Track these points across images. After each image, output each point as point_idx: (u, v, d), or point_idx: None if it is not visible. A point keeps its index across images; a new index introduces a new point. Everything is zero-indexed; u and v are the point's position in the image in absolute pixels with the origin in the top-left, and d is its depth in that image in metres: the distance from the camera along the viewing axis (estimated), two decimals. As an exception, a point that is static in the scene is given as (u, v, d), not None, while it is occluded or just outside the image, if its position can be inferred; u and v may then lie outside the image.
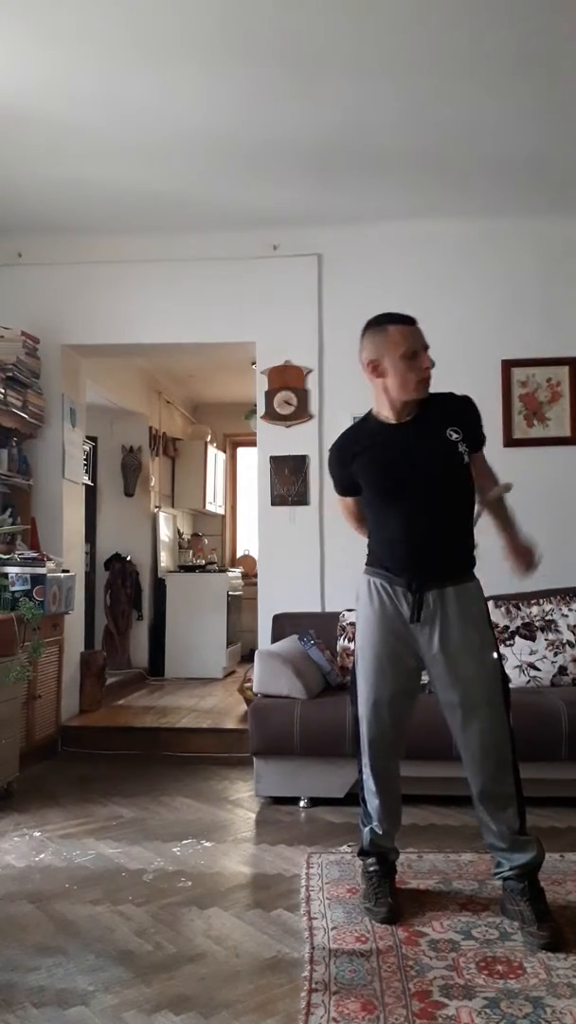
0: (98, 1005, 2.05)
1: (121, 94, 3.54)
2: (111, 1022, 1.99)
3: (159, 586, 7.35)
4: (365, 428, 2.65)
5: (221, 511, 9.05)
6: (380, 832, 2.64)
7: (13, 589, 4.20)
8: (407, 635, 2.54)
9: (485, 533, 2.63)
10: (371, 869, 2.64)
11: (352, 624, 3.81)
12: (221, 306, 4.97)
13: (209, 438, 8.51)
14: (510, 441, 4.69)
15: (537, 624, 4.08)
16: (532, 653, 4.00)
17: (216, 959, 2.29)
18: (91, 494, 6.62)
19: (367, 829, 2.66)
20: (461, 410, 2.59)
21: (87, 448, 6.34)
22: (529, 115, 3.72)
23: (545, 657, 3.99)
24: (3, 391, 4.44)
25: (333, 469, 2.74)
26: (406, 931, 2.41)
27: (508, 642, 4.02)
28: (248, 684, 4.77)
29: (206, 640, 7.02)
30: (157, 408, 7.67)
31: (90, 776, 4.25)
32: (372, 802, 2.64)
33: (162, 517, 7.63)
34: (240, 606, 7.66)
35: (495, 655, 2.55)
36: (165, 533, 7.72)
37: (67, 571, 4.72)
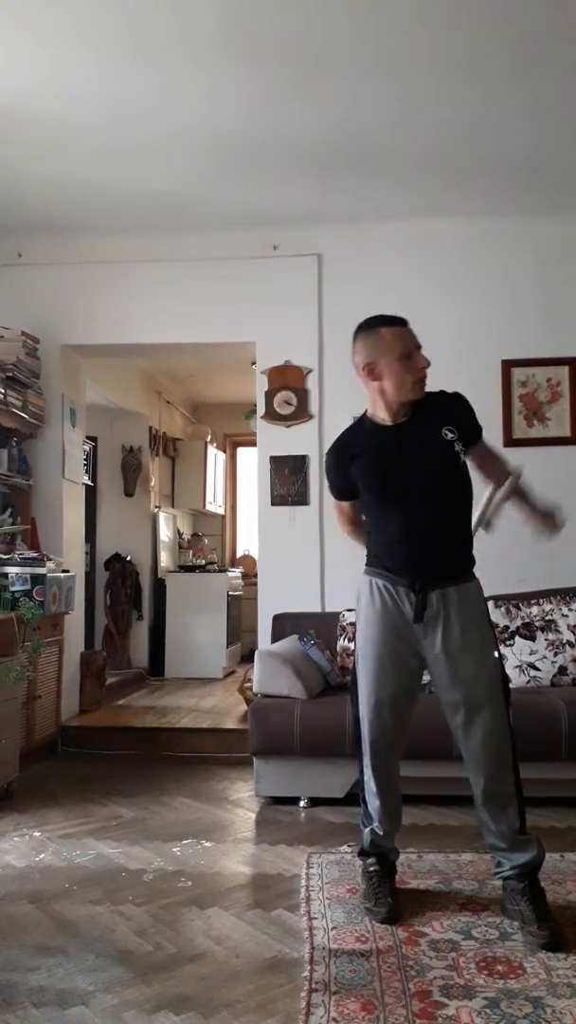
0: (98, 1005, 2.05)
1: (121, 94, 3.54)
2: (111, 1022, 1.98)
3: (159, 586, 7.34)
4: (361, 430, 2.64)
5: (221, 511, 9.05)
6: (381, 832, 2.64)
7: (13, 589, 4.20)
8: (409, 635, 2.54)
9: (482, 536, 2.63)
10: (371, 869, 2.64)
11: (352, 624, 3.81)
12: (221, 306, 4.97)
13: (209, 438, 8.51)
14: (510, 441, 4.68)
15: (537, 624, 4.08)
16: (532, 653, 4.00)
17: (216, 959, 2.29)
18: (91, 494, 6.62)
19: (368, 830, 2.66)
20: (454, 407, 2.59)
21: (87, 448, 6.33)
22: (529, 115, 3.72)
23: (545, 657, 3.99)
24: (3, 391, 4.45)
25: (330, 473, 2.72)
26: (406, 931, 2.41)
27: (508, 642, 4.02)
28: (248, 684, 4.77)
29: (206, 640, 7.02)
30: (157, 408, 7.67)
31: (90, 776, 4.25)
32: (373, 803, 2.64)
33: (162, 517, 7.63)
34: (240, 606, 7.65)
35: (496, 654, 2.55)
36: (165, 533, 7.72)
37: (67, 571, 4.72)
